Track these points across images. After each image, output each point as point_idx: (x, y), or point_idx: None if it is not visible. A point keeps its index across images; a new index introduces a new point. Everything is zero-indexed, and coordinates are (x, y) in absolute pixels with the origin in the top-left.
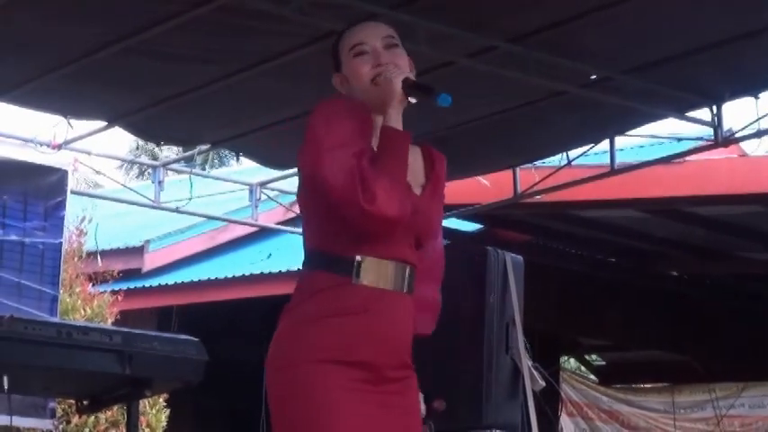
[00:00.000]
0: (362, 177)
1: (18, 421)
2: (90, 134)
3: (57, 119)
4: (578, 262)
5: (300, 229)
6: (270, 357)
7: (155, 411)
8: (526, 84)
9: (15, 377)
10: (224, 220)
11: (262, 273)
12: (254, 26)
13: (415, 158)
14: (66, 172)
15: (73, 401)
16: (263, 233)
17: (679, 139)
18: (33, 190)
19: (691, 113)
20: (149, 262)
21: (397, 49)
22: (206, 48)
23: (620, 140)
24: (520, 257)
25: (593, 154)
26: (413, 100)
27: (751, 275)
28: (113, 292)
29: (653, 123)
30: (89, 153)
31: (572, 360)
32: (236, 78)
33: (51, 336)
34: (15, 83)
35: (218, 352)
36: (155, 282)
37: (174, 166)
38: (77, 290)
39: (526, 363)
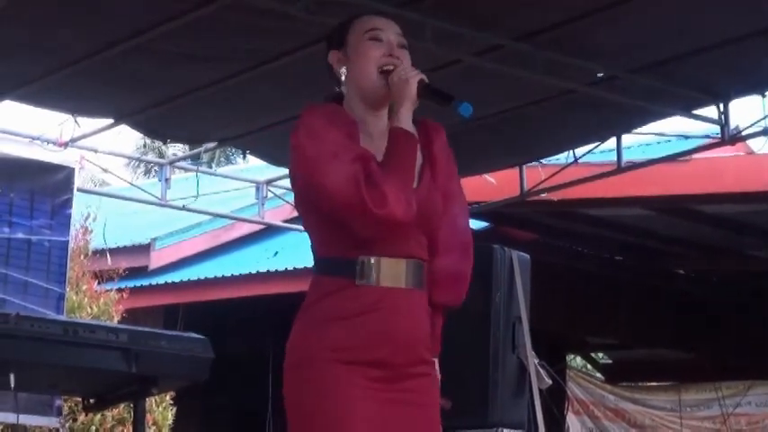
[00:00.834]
0: (371, 182)
1: (24, 419)
2: (97, 132)
3: (63, 117)
4: (585, 260)
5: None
6: (286, 359)
7: (161, 409)
8: (533, 82)
9: (22, 375)
10: (230, 218)
11: (268, 271)
12: (260, 24)
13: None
14: (72, 170)
15: (79, 399)
16: (269, 231)
17: (686, 137)
18: (40, 188)
19: (697, 111)
20: (156, 260)
21: (406, 50)
22: (213, 46)
23: (626, 138)
24: (526, 255)
25: (600, 152)
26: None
27: (758, 273)
28: (120, 290)
29: (660, 121)
30: (96, 151)
31: (578, 358)
32: (243, 77)
33: (58, 334)
34: (22, 81)
35: (225, 350)
36: (161, 279)
37: (181, 163)
38: (84, 288)
39: (532, 361)
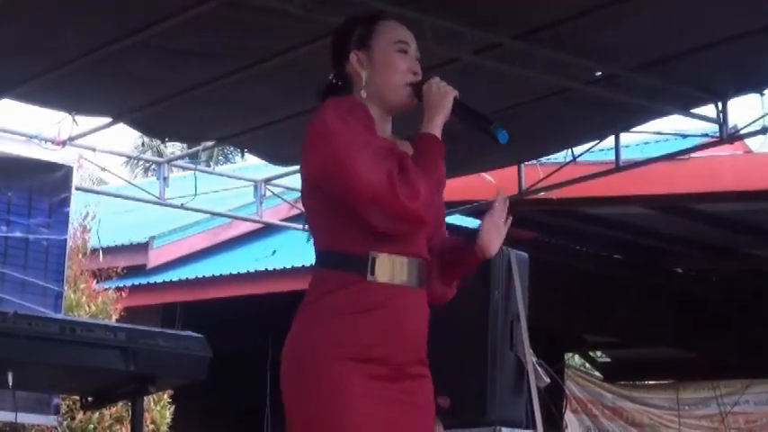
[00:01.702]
0: (405, 176)
1: (23, 417)
2: (95, 130)
3: (61, 115)
4: (583, 258)
5: (304, 226)
6: (286, 352)
7: (159, 408)
8: (532, 80)
9: (20, 373)
10: (229, 216)
11: (266, 269)
12: (258, 23)
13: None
14: (70, 168)
15: (77, 398)
16: (267, 230)
17: (684, 136)
18: (38, 186)
19: (696, 110)
20: (154, 258)
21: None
22: (211, 44)
23: (625, 137)
24: (525, 254)
25: (599, 151)
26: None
27: (757, 272)
28: (118, 289)
29: (658, 120)
30: (94, 150)
31: (576, 357)
32: (241, 75)
33: (55, 332)
34: (21, 79)
35: (223, 348)
36: (159, 278)
37: (179, 162)
38: (82, 286)
39: (531, 359)
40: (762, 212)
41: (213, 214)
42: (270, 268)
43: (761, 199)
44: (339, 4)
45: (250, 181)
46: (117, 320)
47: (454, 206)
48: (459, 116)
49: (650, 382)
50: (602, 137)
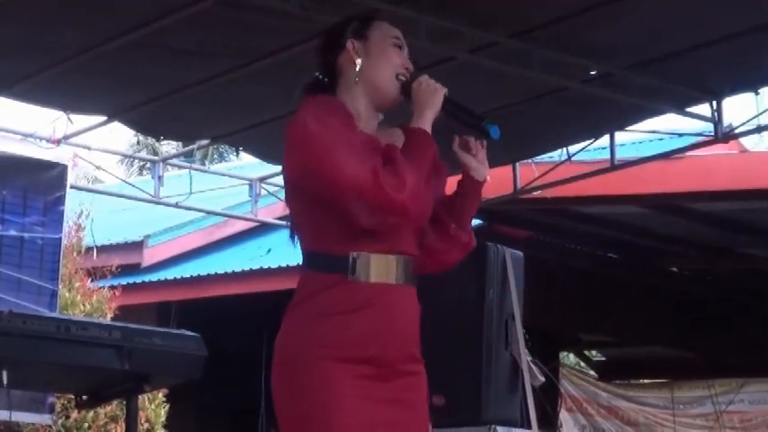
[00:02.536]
0: (393, 167)
1: (17, 416)
2: (90, 129)
3: (56, 114)
4: (578, 258)
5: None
6: (275, 353)
7: (154, 406)
8: (527, 79)
9: (14, 372)
10: (223, 215)
11: (261, 268)
12: (254, 21)
13: (399, 141)
14: (65, 167)
15: (72, 396)
16: (262, 228)
17: (679, 135)
18: (33, 185)
19: (691, 109)
20: (149, 257)
21: None
22: (206, 43)
23: (620, 136)
24: (520, 253)
25: (594, 149)
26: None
27: (752, 271)
28: (112, 287)
29: (653, 119)
30: (89, 148)
31: (571, 356)
32: (237, 74)
33: (50, 331)
34: (16, 78)
35: (218, 347)
36: (154, 277)
37: (174, 161)
38: (77, 285)
39: (525, 358)
40: (757, 211)
41: (208, 213)
42: (265, 267)
43: (756, 198)
44: (336, 2)
45: (245, 179)
46: (112, 319)
47: None
48: (449, 113)
49: (645, 381)
50: (596, 136)
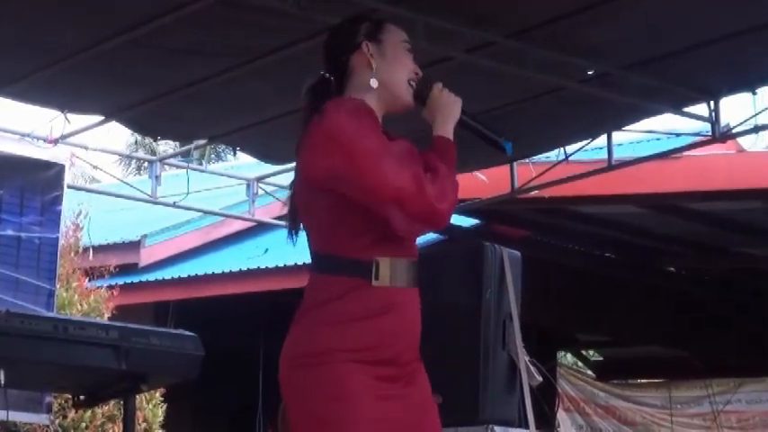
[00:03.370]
0: (435, 177)
1: (14, 416)
2: (87, 129)
3: (54, 113)
4: (576, 257)
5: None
6: (291, 354)
7: (151, 406)
8: (524, 79)
9: (12, 372)
10: (221, 215)
11: (259, 268)
12: (252, 21)
13: None
14: (63, 167)
15: (69, 396)
16: (260, 228)
17: (677, 135)
18: (30, 185)
19: (688, 109)
20: (146, 257)
21: None
22: (203, 42)
23: (617, 136)
24: (517, 253)
25: (591, 149)
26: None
27: (749, 271)
28: (110, 287)
29: (650, 119)
30: (86, 148)
31: (569, 355)
32: (234, 73)
33: (48, 331)
34: (13, 77)
35: (215, 346)
36: (151, 276)
37: (171, 160)
38: (74, 285)
39: (523, 358)
40: (754, 211)
41: (205, 212)
42: (262, 266)
43: (753, 198)
44: (332, 2)
45: (242, 179)
46: (109, 319)
47: None
48: (465, 125)
49: (642, 381)
50: (594, 136)
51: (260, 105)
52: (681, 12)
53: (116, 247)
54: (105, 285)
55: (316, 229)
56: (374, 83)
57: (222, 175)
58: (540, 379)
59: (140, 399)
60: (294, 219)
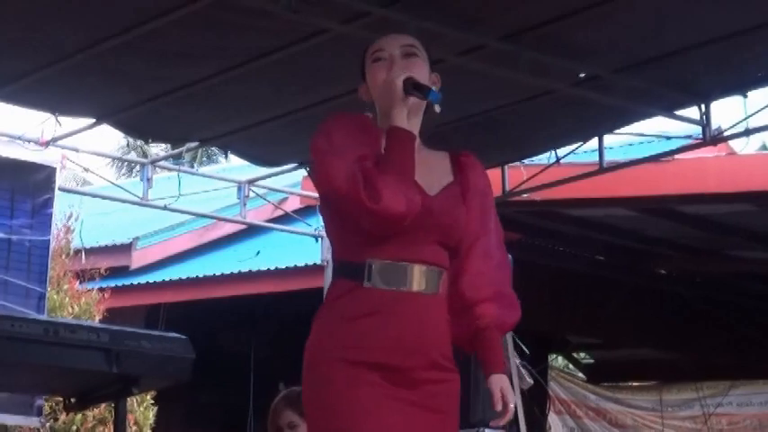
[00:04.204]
0: (365, 178)
1: (5, 419)
2: (78, 131)
3: (45, 116)
4: (567, 260)
5: (289, 228)
6: (304, 355)
7: (142, 409)
8: (516, 82)
9: (2, 375)
10: (212, 217)
11: (250, 270)
12: (243, 23)
13: (438, 161)
14: (54, 169)
15: (60, 399)
16: (251, 231)
17: (668, 138)
18: (21, 187)
19: (679, 112)
20: (137, 259)
21: (415, 58)
22: (195, 45)
23: (608, 139)
24: (508, 255)
25: (582, 152)
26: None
27: (740, 273)
28: (101, 290)
29: (641, 122)
30: (77, 150)
31: (560, 358)
32: (225, 76)
33: (39, 333)
34: (4, 80)
35: (206, 349)
36: (143, 279)
37: (163, 163)
38: (65, 287)
39: (514, 361)
40: (745, 214)
41: (197, 215)
42: (254, 269)
43: (744, 201)
44: (325, 5)
45: (234, 182)
46: (100, 322)
47: None
48: (413, 95)
49: (634, 384)
50: (585, 138)
51: (251, 108)
52: (672, 15)
53: (107, 249)
54: (96, 288)
55: (329, 236)
56: (378, 121)
57: (214, 177)
58: (531, 381)
59: (131, 401)
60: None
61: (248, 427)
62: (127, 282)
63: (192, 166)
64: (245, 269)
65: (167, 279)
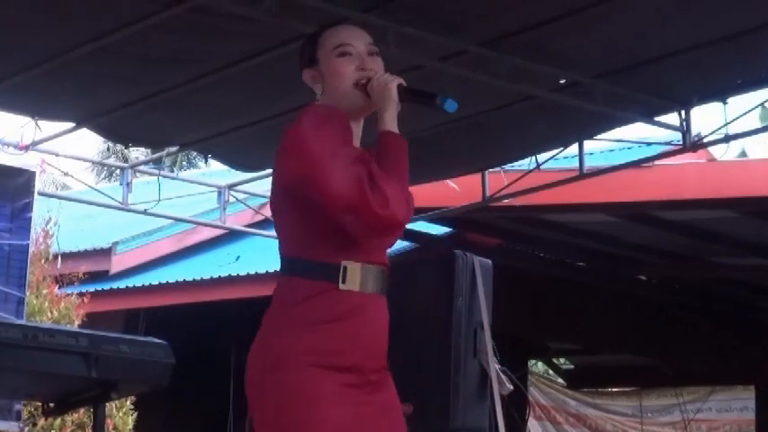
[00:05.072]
0: (373, 183)
1: None
2: (58, 135)
3: (24, 120)
4: (548, 266)
5: (269, 232)
6: (253, 360)
7: (122, 414)
8: (496, 88)
9: None
10: (192, 222)
11: (230, 275)
12: (224, 28)
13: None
14: (33, 173)
15: (39, 404)
16: (231, 235)
17: (648, 144)
18: (0, 191)
19: (659, 118)
20: (117, 264)
21: (378, 57)
22: (176, 49)
23: (588, 145)
24: (488, 261)
25: (563, 158)
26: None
27: (720, 280)
28: (80, 294)
29: (622, 128)
30: (57, 155)
31: (540, 364)
32: (206, 80)
33: (17, 338)
34: None
35: (186, 354)
36: (122, 284)
37: (143, 167)
38: (44, 292)
39: (494, 366)
40: (725, 220)
41: (176, 220)
42: (233, 274)
43: (724, 207)
44: (305, 9)
45: (214, 187)
46: (79, 326)
47: (419, 212)
48: (409, 101)
49: (614, 389)
50: (565, 144)
51: (232, 113)
52: (652, 22)
53: (87, 254)
54: (76, 292)
55: (286, 232)
56: (321, 100)
57: (194, 182)
58: (511, 387)
59: (110, 406)
60: (275, 225)
61: (228, 431)
62: (106, 286)
63: (173, 171)
64: (224, 274)
65: (147, 284)
